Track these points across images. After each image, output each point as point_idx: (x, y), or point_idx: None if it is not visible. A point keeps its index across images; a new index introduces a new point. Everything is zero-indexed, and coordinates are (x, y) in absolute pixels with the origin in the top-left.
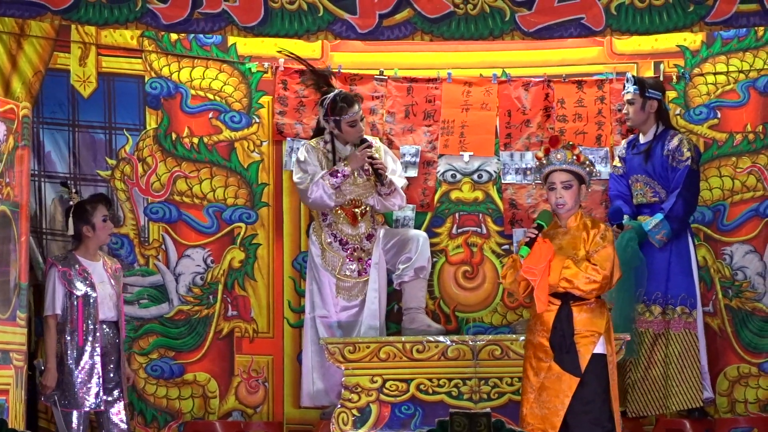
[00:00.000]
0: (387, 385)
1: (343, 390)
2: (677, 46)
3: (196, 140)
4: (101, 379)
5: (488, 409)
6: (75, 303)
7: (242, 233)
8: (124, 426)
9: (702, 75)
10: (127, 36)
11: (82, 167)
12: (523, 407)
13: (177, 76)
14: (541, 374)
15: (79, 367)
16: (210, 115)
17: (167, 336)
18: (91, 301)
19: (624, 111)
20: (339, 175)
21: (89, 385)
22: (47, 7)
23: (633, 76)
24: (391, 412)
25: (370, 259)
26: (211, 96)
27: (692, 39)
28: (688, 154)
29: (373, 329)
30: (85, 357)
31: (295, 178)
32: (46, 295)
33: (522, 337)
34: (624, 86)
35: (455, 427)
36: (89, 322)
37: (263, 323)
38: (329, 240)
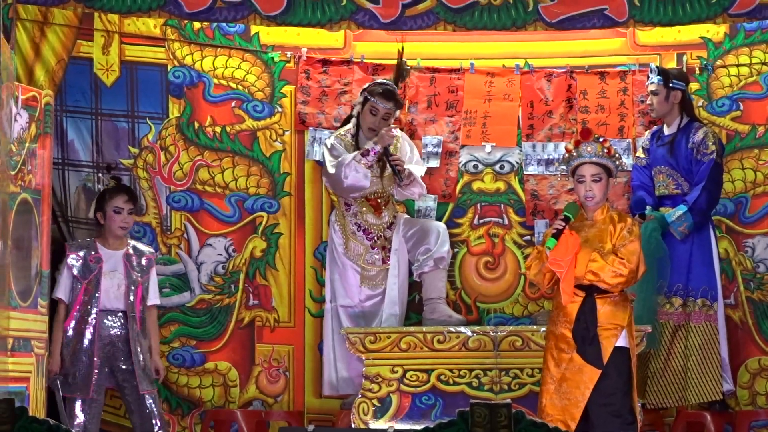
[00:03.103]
0: (407, 375)
1: (363, 380)
2: (700, 37)
3: (218, 129)
4: (99, 369)
5: (509, 400)
6: (78, 289)
7: (264, 222)
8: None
9: (725, 67)
10: (150, 24)
11: (104, 156)
12: (543, 398)
13: (200, 64)
14: (562, 365)
15: (79, 354)
16: (232, 104)
17: (189, 325)
18: (94, 289)
19: (648, 102)
20: (371, 153)
21: (86, 374)
22: None
23: (657, 67)
24: (412, 403)
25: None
26: (233, 85)
27: (715, 30)
28: (713, 147)
29: (393, 316)
30: (84, 345)
31: (329, 166)
32: (57, 279)
33: (543, 328)
34: (648, 77)
35: (475, 417)
36: (88, 309)
37: (284, 313)
38: (353, 229)
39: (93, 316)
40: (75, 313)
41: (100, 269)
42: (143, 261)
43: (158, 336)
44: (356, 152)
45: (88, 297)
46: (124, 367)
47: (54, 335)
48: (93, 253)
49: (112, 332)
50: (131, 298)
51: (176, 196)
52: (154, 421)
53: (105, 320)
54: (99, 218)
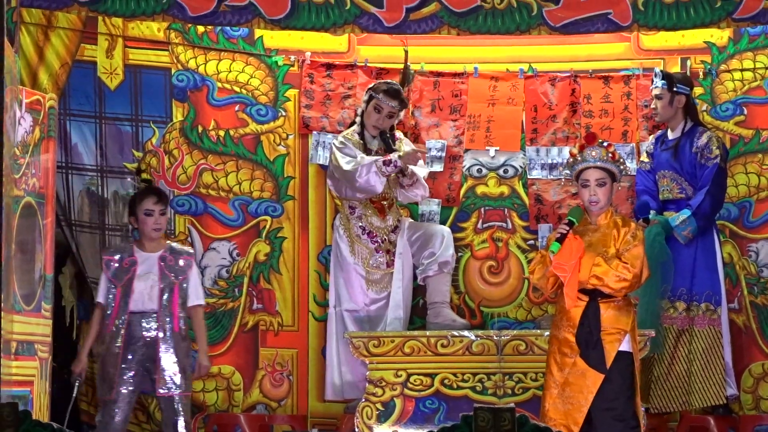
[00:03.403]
0: (411, 379)
1: (367, 384)
2: (704, 42)
3: (222, 133)
4: (135, 371)
5: (512, 404)
6: (114, 293)
7: (268, 226)
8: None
9: (729, 71)
10: (154, 28)
11: (108, 159)
12: (546, 402)
13: (203, 68)
14: (565, 370)
15: (108, 357)
16: (236, 107)
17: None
18: (127, 292)
19: (652, 106)
20: (392, 165)
21: (112, 376)
22: None
23: (661, 71)
24: (415, 407)
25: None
26: (237, 89)
27: (719, 35)
28: (716, 151)
29: (397, 320)
30: (114, 347)
31: (343, 163)
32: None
33: (547, 333)
34: (652, 81)
35: (479, 422)
36: (120, 312)
37: (288, 317)
38: (358, 232)
39: (124, 318)
40: (114, 317)
41: (134, 272)
42: (180, 262)
43: (205, 335)
44: (378, 158)
45: (122, 299)
46: (157, 366)
47: (86, 337)
48: (128, 256)
49: (146, 334)
50: (164, 300)
51: (180, 200)
52: (180, 427)
53: (141, 322)
54: (132, 223)
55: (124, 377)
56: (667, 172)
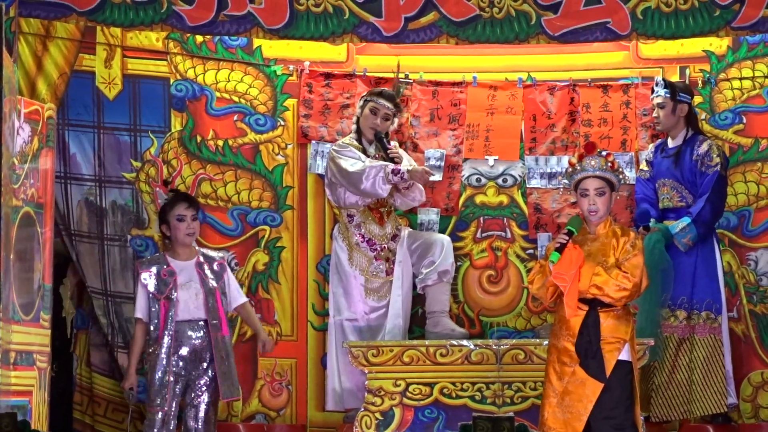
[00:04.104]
0: (410, 388)
1: (366, 393)
2: (703, 50)
3: (220, 143)
4: (179, 381)
5: (511, 414)
6: (158, 305)
7: (266, 236)
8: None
9: (728, 80)
10: (153, 38)
11: (107, 169)
12: (545, 411)
13: (202, 78)
14: (564, 379)
15: (159, 367)
16: (235, 117)
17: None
18: (172, 302)
19: (654, 115)
20: (399, 175)
21: (163, 385)
22: (72, 8)
23: (663, 80)
24: (414, 416)
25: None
26: (236, 98)
27: (718, 44)
28: (717, 159)
29: (396, 328)
30: (162, 358)
31: (347, 165)
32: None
33: (546, 342)
34: (654, 90)
35: (478, 431)
36: (167, 322)
37: (287, 326)
38: (357, 240)
39: (171, 328)
40: (162, 329)
41: (175, 282)
42: (215, 266)
43: (259, 322)
44: (389, 164)
45: (167, 310)
46: (205, 375)
47: (131, 352)
48: (165, 267)
49: (195, 342)
50: (210, 305)
51: None
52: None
53: (187, 331)
54: (165, 231)
55: (172, 386)
56: (667, 181)
